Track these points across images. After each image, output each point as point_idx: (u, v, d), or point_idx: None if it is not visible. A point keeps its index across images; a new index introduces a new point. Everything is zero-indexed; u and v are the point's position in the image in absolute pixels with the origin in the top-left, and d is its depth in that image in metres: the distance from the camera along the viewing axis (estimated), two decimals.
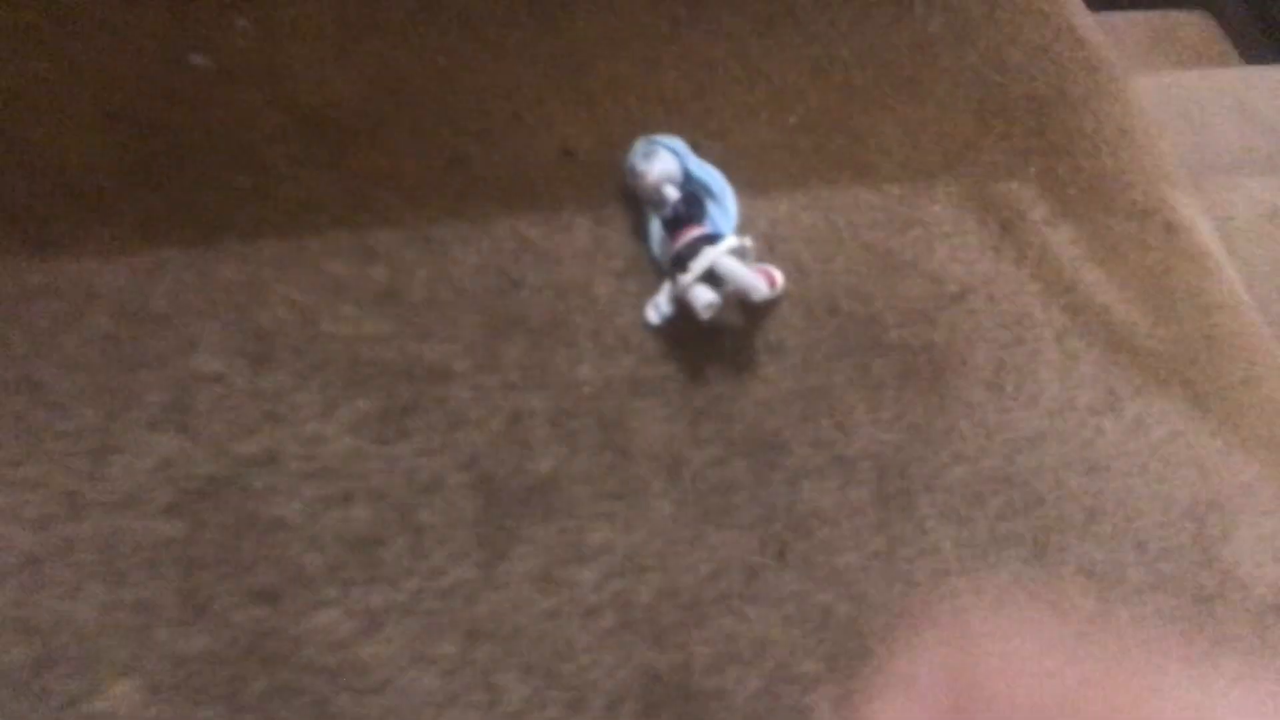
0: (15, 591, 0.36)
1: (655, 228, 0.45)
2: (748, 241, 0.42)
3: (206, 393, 0.40)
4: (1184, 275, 0.55)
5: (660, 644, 0.39)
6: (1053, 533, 0.45)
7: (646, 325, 0.44)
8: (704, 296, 0.42)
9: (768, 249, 0.49)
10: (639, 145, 0.45)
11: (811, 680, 0.40)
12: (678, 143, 0.45)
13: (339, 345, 0.42)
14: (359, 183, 0.46)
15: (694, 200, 0.44)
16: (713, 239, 0.42)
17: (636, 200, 0.46)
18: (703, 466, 0.43)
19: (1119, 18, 1.19)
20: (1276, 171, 0.92)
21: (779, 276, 0.44)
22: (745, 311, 0.46)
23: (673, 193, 0.43)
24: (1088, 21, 0.62)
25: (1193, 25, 1.22)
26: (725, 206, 0.45)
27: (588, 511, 0.41)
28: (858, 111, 0.55)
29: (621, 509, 0.41)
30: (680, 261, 0.42)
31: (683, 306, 0.43)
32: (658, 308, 0.44)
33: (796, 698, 0.39)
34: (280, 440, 0.40)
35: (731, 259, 0.42)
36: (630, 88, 0.52)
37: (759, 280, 0.42)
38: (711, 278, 0.42)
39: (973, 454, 0.46)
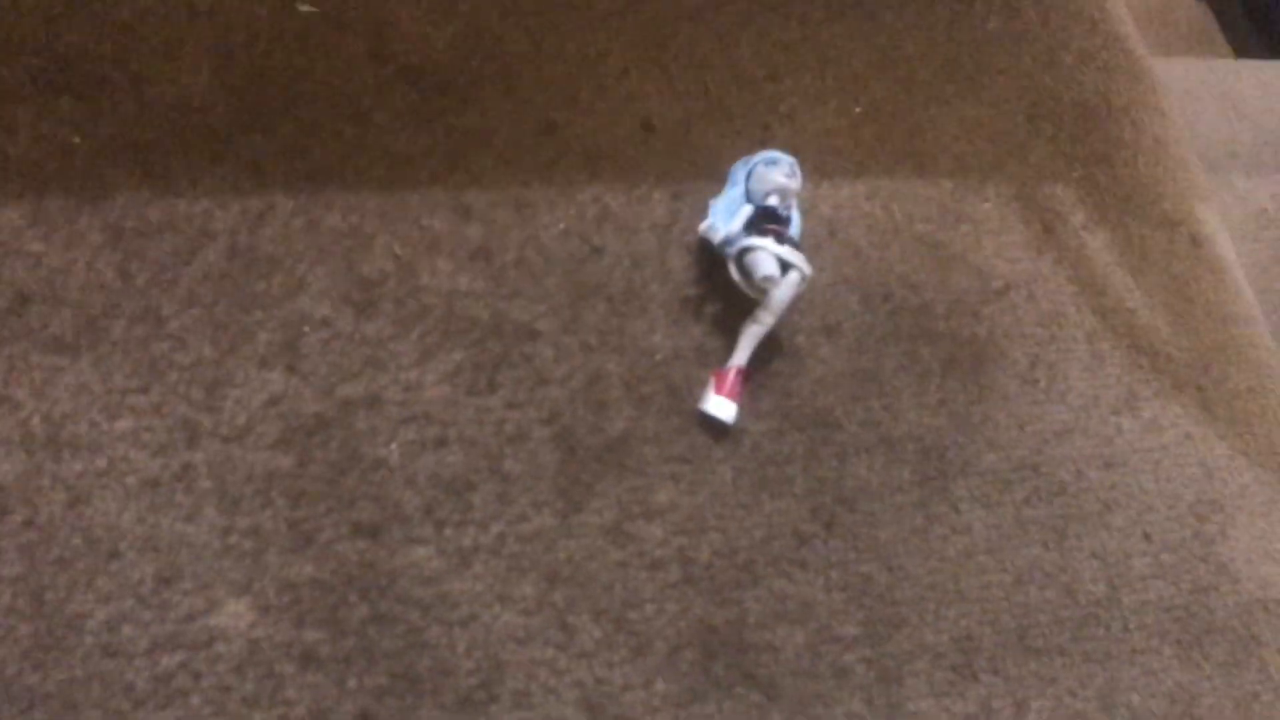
0: (139, 511, 0.39)
1: (731, 205, 0.47)
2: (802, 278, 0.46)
3: (314, 335, 0.43)
4: (1205, 286, 0.58)
5: (718, 599, 0.43)
6: (1071, 521, 0.49)
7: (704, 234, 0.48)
8: (767, 266, 0.45)
9: (829, 234, 0.52)
10: (780, 155, 0.48)
11: (850, 642, 0.43)
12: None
13: (436, 298, 0.45)
14: (455, 141, 0.48)
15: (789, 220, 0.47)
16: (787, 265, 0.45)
17: (721, 181, 0.49)
18: (761, 437, 0.47)
19: None
20: (1263, 171, 0.95)
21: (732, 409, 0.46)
22: (805, 295, 0.49)
23: (787, 203, 0.46)
24: (1133, 32, 0.64)
25: (1186, 9, 1.23)
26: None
27: (656, 471, 0.44)
28: (919, 105, 0.57)
29: (687, 471, 0.45)
30: (763, 234, 0.45)
31: (740, 270, 0.46)
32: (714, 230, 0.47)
33: (837, 656, 0.43)
34: (382, 385, 0.43)
35: (793, 287, 0.45)
36: (708, 66, 0.54)
37: (770, 318, 0.46)
38: (753, 279, 0.46)
39: (1005, 443, 0.50)
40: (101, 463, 0.38)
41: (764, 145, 0.52)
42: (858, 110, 0.56)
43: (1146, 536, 0.51)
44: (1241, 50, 1.21)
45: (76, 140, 0.43)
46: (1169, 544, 0.51)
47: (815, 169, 0.53)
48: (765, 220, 0.47)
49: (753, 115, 0.54)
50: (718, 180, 0.51)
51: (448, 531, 0.41)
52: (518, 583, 0.41)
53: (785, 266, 0.45)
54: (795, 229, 0.48)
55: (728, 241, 0.46)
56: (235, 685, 0.37)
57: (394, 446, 0.42)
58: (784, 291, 0.45)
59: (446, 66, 0.50)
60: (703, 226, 0.47)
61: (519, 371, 0.45)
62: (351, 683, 0.38)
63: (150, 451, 0.39)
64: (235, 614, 0.38)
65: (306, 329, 0.43)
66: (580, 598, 0.42)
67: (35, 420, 0.39)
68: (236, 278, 0.43)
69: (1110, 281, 0.57)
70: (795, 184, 0.47)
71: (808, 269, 0.46)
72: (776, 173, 0.47)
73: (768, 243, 0.45)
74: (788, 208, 0.47)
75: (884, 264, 0.52)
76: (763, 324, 0.45)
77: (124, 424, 0.39)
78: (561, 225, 0.48)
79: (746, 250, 0.45)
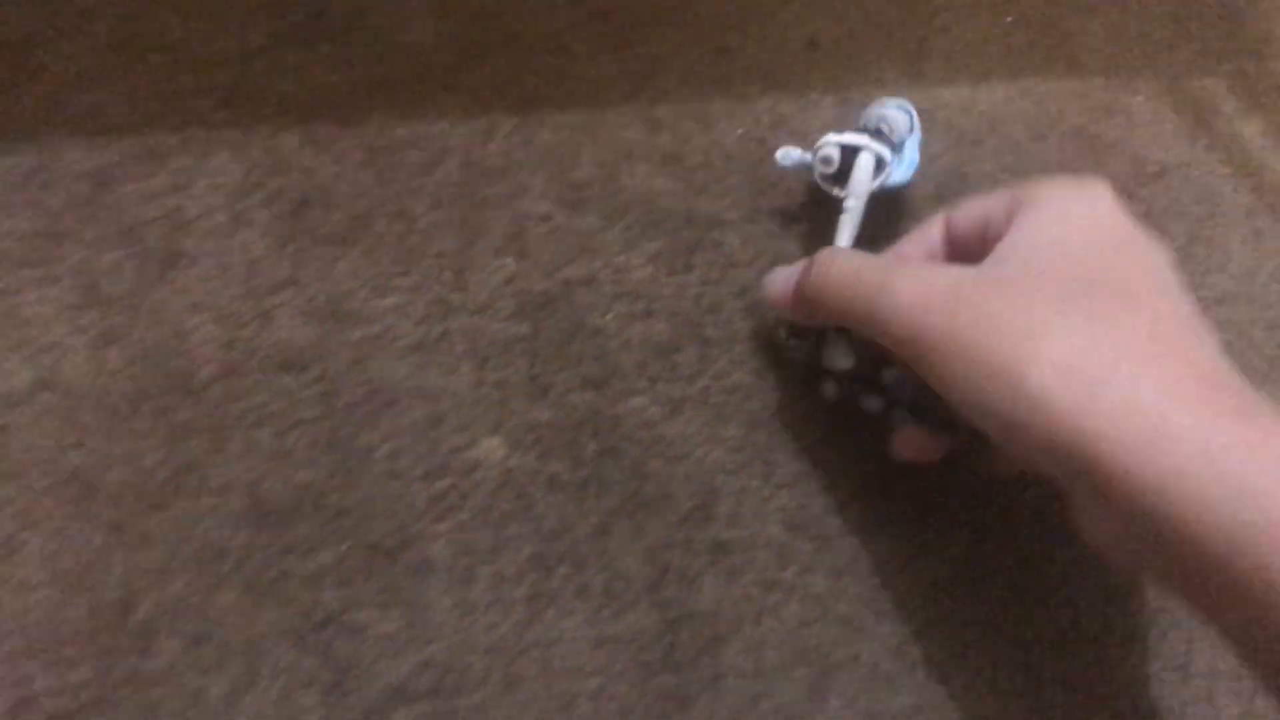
0: (409, 368, 0.48)
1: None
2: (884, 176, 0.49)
3: (536, 229, 0.52)
4: None
5: None
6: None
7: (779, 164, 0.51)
8: (826, 149, 0.49)
9: (989, 129, 0.59)
10: (896, 99, 0.52)
11: None
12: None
13: (635, 196, 0.54)
14: (643, 65, 0.57)
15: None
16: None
17: (880, 87, 0.56)
18: None
19: None
20: None
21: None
22: (969, 182, 0.55)
23: (896, 137, 0.51)
24: None
25: None
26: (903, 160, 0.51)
27: None
28: (1066, 14, 0.64)
29: None
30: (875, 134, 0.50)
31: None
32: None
33: None
34: (595, 268, 0.51)
35: (868, 170, 0.48)
36: None
37: (854, 201, 0.48)
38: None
39: None
40: (376, 330, 0.48)
41: (921, 57, 0.59)
42: (1009, 20, 0.63)
43: None
44: None
45: (334, 78, 0.53)
46: None
47: (972, 74, 0.59)
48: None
49: (909, 29, 0.61)
50: (879, 86, 0.58)
51: (659, 385, 0.49)
52: (723, 426, 0.49)
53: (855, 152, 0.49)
54: (907, 167, 0.51)
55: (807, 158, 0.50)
56: (494, 504, 0.46)
57: (609, 317, 0.50)
58: (860, 174, 0.48)
59: (631, 4, 0.59)
60: (779, 153, 0.51)
61: (711, 255, 0.53)
62: (590, 503, 0.46)
63: (413, 321, 0.49)
64: (491, 448, 0.47)
65: (530, 224, 0.52)
66: (779, 439, 0.49)
67: (320, 298, 0.49)
68: (470, 184, 0.52)
69: (1267, 164, 0.62)
70: (902, 117, 0.50)
71: (884, 151, 0.48)
72: (887, 105, 0.51)
73: (829, 135, 0.49)
74: (894, 141, 0.50)
75: (1042, 153, 0.59)
76: (850, 210, 0.48)
77: (390, 300, 0.49)
78: (740, 131, 0.56)
79: (819, 149, 0.50)
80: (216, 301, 0.48)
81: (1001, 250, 0.35)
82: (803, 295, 0.40)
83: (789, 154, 0.51)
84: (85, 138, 0.51)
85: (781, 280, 0.43)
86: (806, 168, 0.51)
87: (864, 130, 0.51)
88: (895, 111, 0.51)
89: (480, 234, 0.51)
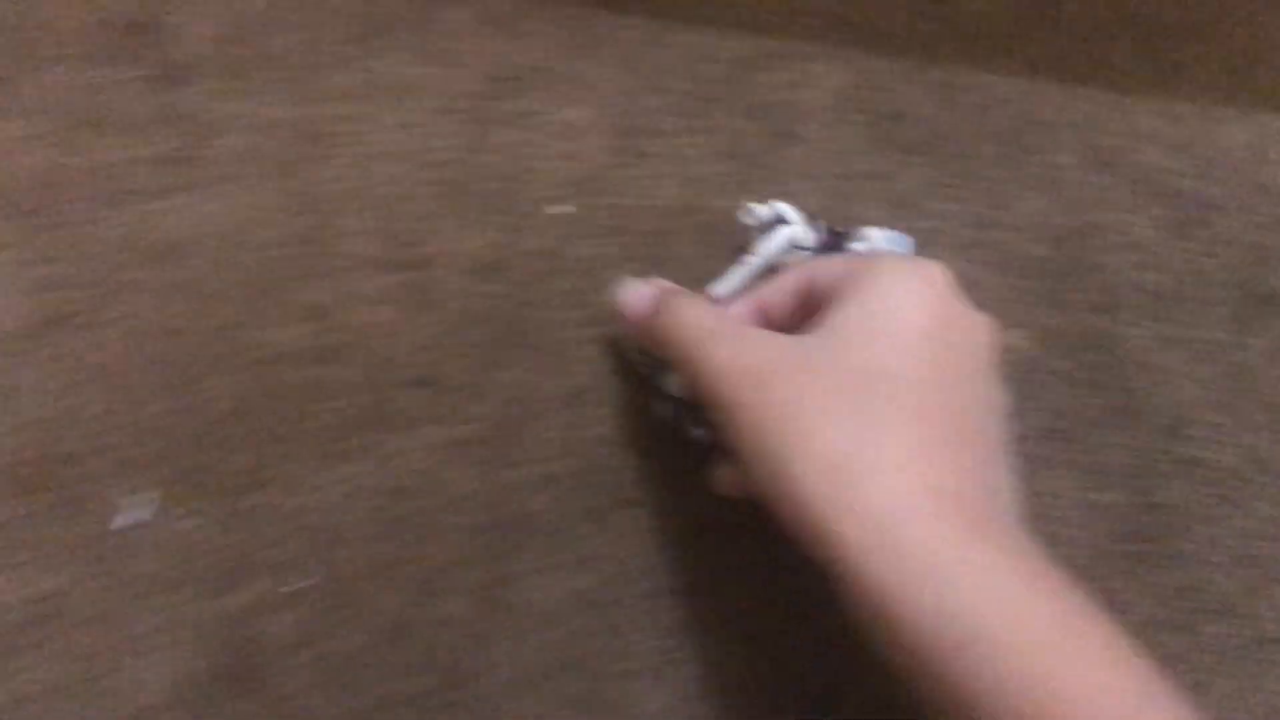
0: (962, 261, 0.60)
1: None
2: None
3: (1064, 176, 0.63)
4: None
5: None
6: None
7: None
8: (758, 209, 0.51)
9: None
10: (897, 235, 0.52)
11: None
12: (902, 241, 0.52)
13: (1147, 170, 0.65)
14: (1170, 68, 0.69)
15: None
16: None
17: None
18: None
19: None
20: None
21: None
22: None
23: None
24: None
25: None
26: None
27: None
28: None
29: None
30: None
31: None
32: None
33: None
34: (1108, 219, 0.63)
35: (784, 239, 0.49)
36: None
37: (756, 258, 0.49)
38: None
39: None
40: (933, 225, 0.60)
41: None
42: None
43: None
44: None
45: (918, 26, 0.66)
46: None
47: None
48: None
49: None
50: None
51: (1152, 323, 0.60)
52: (1200, 367, 0.59)
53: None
54: None
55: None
56: (1013, 379, 0.57)
57: (1110, 258, 0.61)
58: (772, 240, 0.49)
59: (1171, 21, 0.69)
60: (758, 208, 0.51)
61: (1205, 231, 0.63)
62: (1086, 399, 0.57)
63: (961, 224, 0.61)
64: (1016, 337, 0.58)
65: (1059, 172, 0.63)
66: (1251, 391, 0.59)
67: (895, 191, 0.61)
68: (1017, 131, 0.64)
69: None
70: (884, 246, 0.50)
71: (803, 236, 0.50)
72: (885, 230, 0.52)
73: (782, 203, 0.51)
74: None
75: None
76: (744, 264, 0.49)
77: (946, 206, 0.61)
78: (1243, 137, 0.66)
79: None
80: (818, 175, 0.62)
81: (820, 325, 0.36)
82: (647, 329, 0.41)
83: (751, 212, 0.52)
84: (733, 30, 0.66)
85: (632, 296, 0.43)
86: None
87: (823, 224, 0.52)
88: (881, 234, 0.50)
89: (1018, 171, 0.63)
